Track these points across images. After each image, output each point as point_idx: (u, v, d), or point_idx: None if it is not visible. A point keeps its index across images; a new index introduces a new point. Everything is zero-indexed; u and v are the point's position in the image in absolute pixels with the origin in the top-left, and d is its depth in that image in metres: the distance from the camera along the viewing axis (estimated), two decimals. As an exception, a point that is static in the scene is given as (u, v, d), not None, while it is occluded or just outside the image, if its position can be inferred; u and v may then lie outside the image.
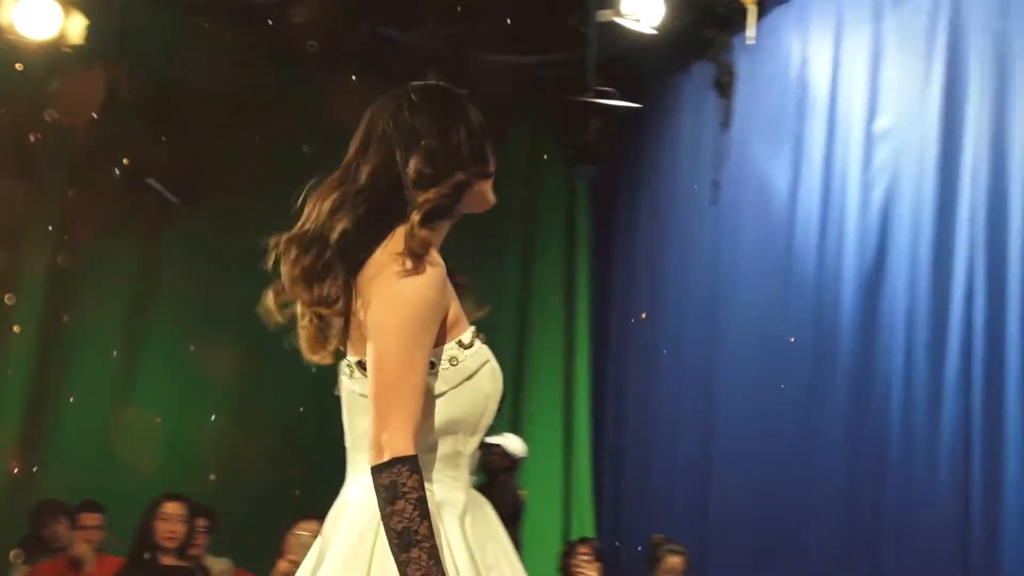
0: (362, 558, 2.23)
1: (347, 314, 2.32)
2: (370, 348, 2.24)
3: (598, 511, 8.00)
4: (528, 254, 8.77)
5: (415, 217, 2.28)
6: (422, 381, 2.26)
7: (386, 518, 2.18)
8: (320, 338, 2.36)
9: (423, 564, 2.15)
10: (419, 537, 2.16)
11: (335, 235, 2.27)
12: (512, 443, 8.02)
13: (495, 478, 7.97)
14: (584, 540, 6.79)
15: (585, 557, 6.36)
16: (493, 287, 8.64)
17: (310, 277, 2.29)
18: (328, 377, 2.48)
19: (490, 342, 2.42)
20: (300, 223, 2.33)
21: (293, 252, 2.30)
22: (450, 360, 2.34)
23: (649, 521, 7.19)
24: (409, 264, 2.24)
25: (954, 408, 6.01)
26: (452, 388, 2.34)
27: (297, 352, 2.43)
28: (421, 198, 2.30)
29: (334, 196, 2.31)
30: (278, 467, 7.33)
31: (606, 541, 7.44)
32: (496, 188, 2.49)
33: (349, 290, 2.30)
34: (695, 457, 7.36)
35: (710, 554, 7.03)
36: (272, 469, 7.28)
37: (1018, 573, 5.59)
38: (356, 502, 2.29)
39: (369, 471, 2.22)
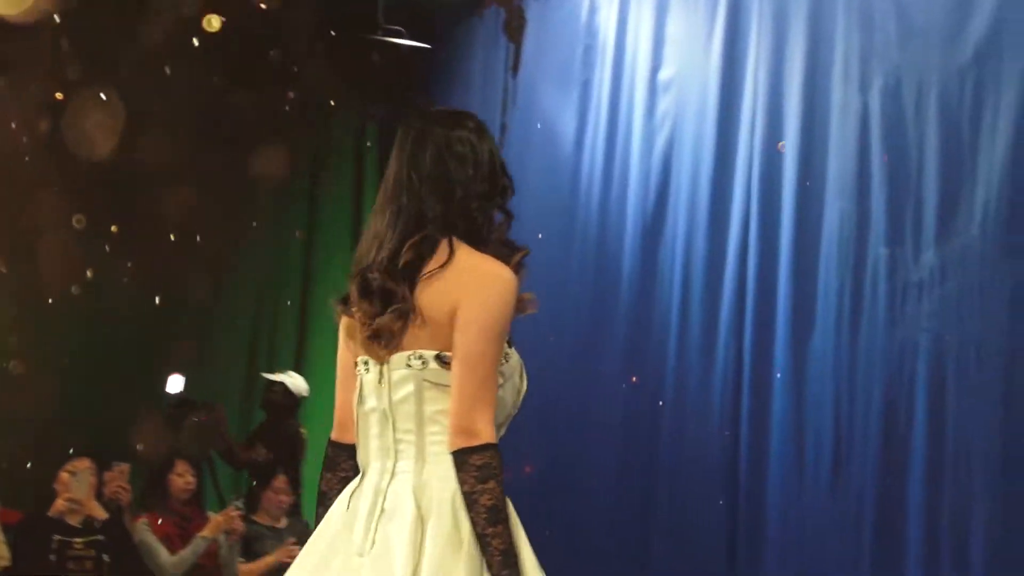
0: (462, 532, 2.47)
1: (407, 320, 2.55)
2: (465, 346, 2.51)
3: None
4: (316, 199, 8.71)
5: (498, 235, 2.68)
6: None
7: (477, 495, 2.46)
8: (379, 342, 2.57)
9: (506, 537, 2.46)
10: (504, 515, 2.49)
11: (400, 259, 2.54)
12: (295, 382, 7.97)
13: (277, 416, 7.92)
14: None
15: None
16: (281, 231, 8.56)
17: (380, 297, 2.55)
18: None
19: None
20: (363, 247, 2.60)
21: (361, 275, 2.57)
22: (505, 357, 2.70)
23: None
24: (501, 272, 2.62)
25: (726, 353, 6.25)
26: (504, 382, 2.67)
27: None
28: (484, 215, 2.65)
29: (389, 218, 2.59)
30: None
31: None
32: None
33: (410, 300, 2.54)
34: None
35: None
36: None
37: (780, 509, 5.87)
38: (441, 479, 2.52)
39: (447, 452, 2.49)
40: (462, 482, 2.49)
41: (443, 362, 2.55)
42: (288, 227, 8.57)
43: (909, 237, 5.56)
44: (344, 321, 2.71)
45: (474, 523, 2.47)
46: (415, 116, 2.71)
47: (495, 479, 2.49)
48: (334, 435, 2.79)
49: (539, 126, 7.34)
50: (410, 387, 2.57)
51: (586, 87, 7.16)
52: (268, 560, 6.94)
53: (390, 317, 2.54)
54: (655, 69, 6.76)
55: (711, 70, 6.43)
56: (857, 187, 5.78)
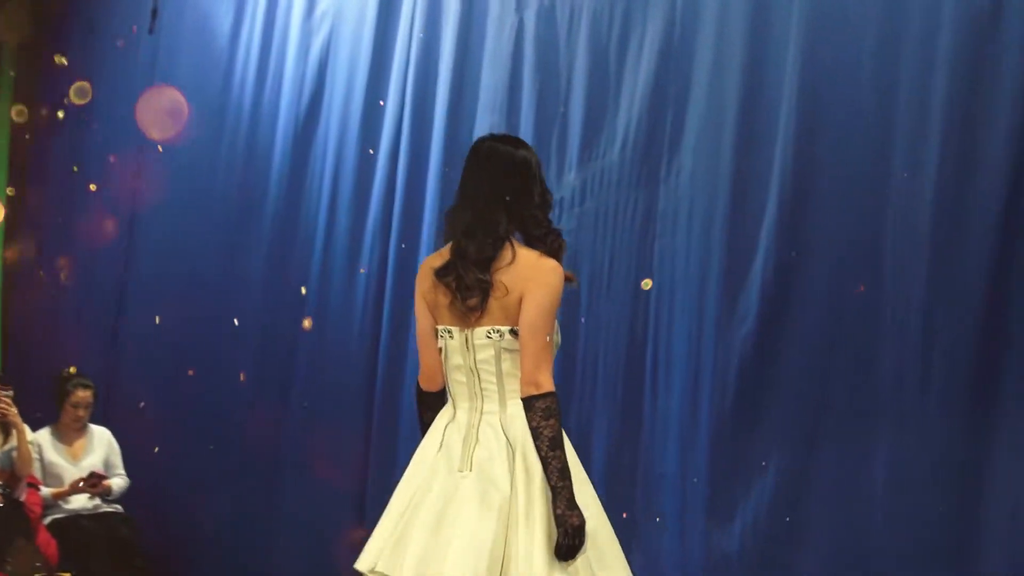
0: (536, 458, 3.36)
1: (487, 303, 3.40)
2: (531, 322, 3.35)
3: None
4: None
5: (555, 235, 3.47)
6: None
7: (542, 428, 3.34)
8: (467, 319, 3.42)
9: (563, 460, 3.31)
10: (560, 442, 3.33)
11: (475, 251, 3.38)
12: None
13: None
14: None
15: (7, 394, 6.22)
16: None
17: (464, 284, 3.40)
18: None
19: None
20: (450, 243, 3.44)
21: (448, 266, 3.41)
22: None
23: (58, 354, 6.95)
24: (555, 265, 3.40)
25: (371, 257, 6.29)
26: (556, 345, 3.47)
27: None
28: (542, 218, 3.48)
29: (470, 221, 3.41)
30: None
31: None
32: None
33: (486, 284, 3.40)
34: (109, 287, 7.19)
35: (120, 387, 6.95)
36: None
37: (412, 426, 6.00)
38: (519, 417, 3.39)
39: (519, 398, 3.38)
40: (530, 419, 3.36)
41: (514, 334, 3.40)
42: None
43: (554, 157, 5.75)
44: (425, 299, 3.53)
45: (538, 448, 3.34)
46: (486, 138, 3.55)
47: (555, 417, 3.36)
48: (424, 385, 3.64)
49: (193, 18, 7.08)
50: (490, 352, 3.43)
51: (245, -22, 6.95)
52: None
53: (476, 301, 3.40)
54: (315, -33, 6.66)
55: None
56: (507, 103, 5.92)
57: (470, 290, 3.40)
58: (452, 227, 3.47)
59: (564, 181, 5.70)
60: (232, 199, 6.78)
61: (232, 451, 6.54)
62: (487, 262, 3.40)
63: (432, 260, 3.52)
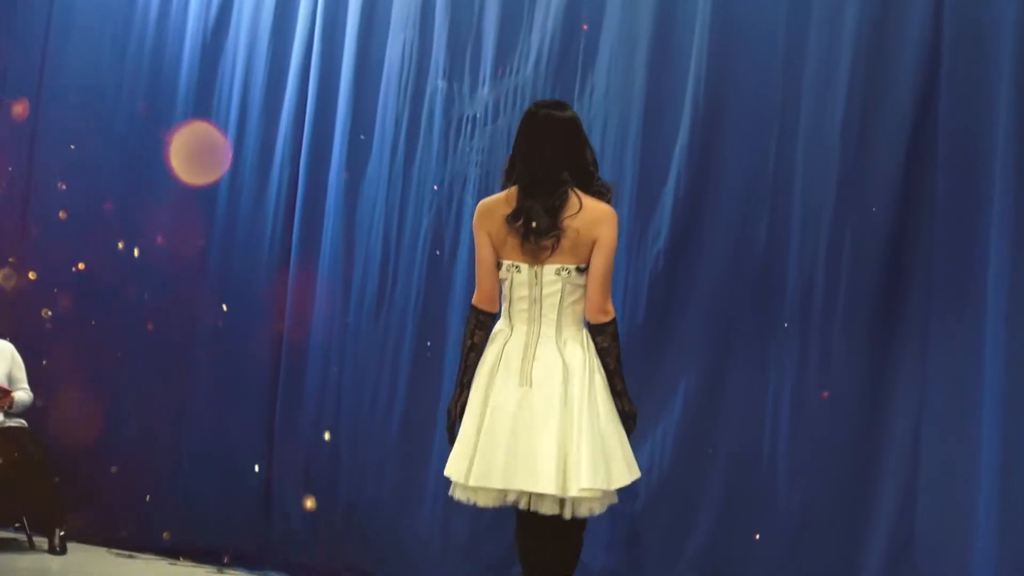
0: (592, 369, 4.02)
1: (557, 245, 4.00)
2: (602, 261, 3.99)
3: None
4: None
5: (608, 187, 4.11)
6: None
7: (611, 348, 4.04)
8: (539, 257, 4.02)
9: (621, 373, 4.06)
10: (620, 359, 4.08)
11: (544, 202, 3.98)
12: None
13: None
14: None
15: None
16: None
17: (539, 227, 3.98)
18: None
19: None
20: (521, 193, 4.02)
21: (526, 212, 3.99)
22: None
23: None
24: (614, 211, 4.05)
25: (281, 174, 6.21)
26: None
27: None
28: (594, 170, 4.09)
29: (535, 175, 4.00)
30: None
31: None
32: None
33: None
34: (13, 202, 7.02)
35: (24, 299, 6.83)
36: None
37: (326, 328, 5.98)
38: (574, 342, 4.04)
39: (581, 326, 4.07)
40: (601, 341, 4.04)
41: (580, 272, 4.02)
42: None
43: (467, 73, 5.72)
44: (491, 237, 4.08)
45: (607, 363, 4.04)
46: (539, 105, 4.12)
47: (618, 339, 4.07)
48: (484, 307, 4.15)
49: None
50: (557, 286, 4.02)
51: None
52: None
53: (550, 242, 3.98)
54: None
55: None
56: (421, 18, 5.85)
57: (543, 235, 3.97)
58: (517, 179, 4.04)
59: (477, 97, 5.68)
60: (138, 115, 6.63)
61: (139, 365, 6.46)
62: (556, 210, 3.96)
63: (494, 205, 4.08)
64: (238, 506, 6.04)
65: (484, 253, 4.12)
